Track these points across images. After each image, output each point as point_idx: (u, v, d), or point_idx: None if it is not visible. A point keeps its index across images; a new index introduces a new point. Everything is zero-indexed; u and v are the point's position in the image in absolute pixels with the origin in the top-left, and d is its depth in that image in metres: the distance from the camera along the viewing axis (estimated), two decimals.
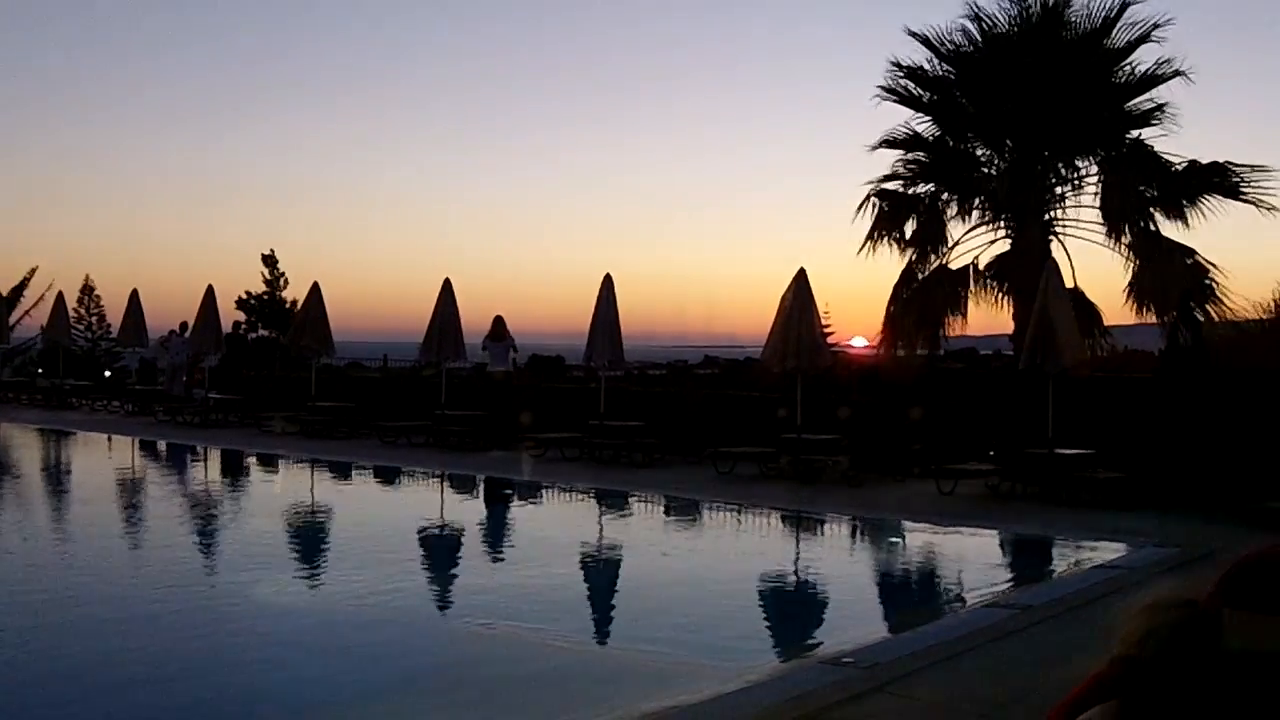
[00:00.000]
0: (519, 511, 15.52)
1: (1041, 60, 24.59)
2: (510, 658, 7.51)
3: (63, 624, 8.14)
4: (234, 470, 18.99)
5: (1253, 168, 23.86)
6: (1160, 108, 24.92)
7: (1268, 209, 23.71)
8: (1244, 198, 24.34)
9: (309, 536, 13.03)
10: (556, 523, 14.49)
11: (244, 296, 34.59)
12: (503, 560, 12.09)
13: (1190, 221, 24.85)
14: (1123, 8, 24.92)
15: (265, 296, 35.07)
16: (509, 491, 16.35)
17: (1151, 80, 25.09)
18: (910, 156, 27.03)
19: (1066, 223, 26.25)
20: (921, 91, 26.82)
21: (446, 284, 21.31)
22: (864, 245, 26.88)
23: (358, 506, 15.63)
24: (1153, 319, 24.63)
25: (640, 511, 14.71)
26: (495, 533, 13.90)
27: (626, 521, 14.34)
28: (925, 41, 26.01)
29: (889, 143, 26.83)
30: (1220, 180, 24.40)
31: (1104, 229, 26.04)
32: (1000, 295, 26.87)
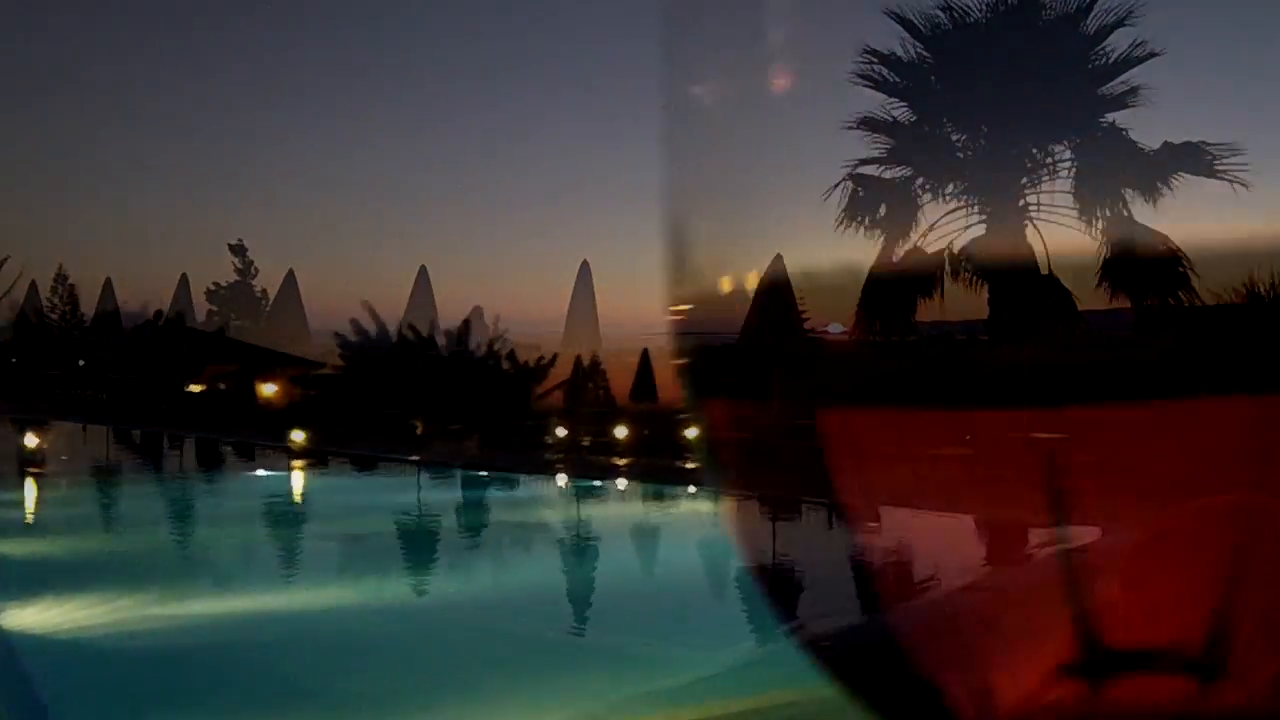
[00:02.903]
0: None
1: (1016, 44, 24.57)
2: None
3: None
4: None
5: (1226, 146, 23.96)
6: (1134, 90, 24.95)
7: (1242, 185, 23.82)
8: (1220, 175, 24.39)
9: None
10: None
11: (212, 288, 34.33)
12: None
13: (1163, 206, 24.93)
14: None
15: (235, 284, 34.81)
16: None
17: (1126, 63, 25.09)
18: (884, 140, 26.99)
19: (1041, 207, 26.33)
20: (895, 76, 26.75)
21: (423, 271, 21.28)
22: (838, 228, 26.94)
23: None
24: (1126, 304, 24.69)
25: None
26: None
27: None
28: (903, 21, 25.93)
29: (865, 122, 26.80)
30: (1194, 160, 24.44)
31: (1078, 214, 26.05)
32: (975, 280, 26.90)
